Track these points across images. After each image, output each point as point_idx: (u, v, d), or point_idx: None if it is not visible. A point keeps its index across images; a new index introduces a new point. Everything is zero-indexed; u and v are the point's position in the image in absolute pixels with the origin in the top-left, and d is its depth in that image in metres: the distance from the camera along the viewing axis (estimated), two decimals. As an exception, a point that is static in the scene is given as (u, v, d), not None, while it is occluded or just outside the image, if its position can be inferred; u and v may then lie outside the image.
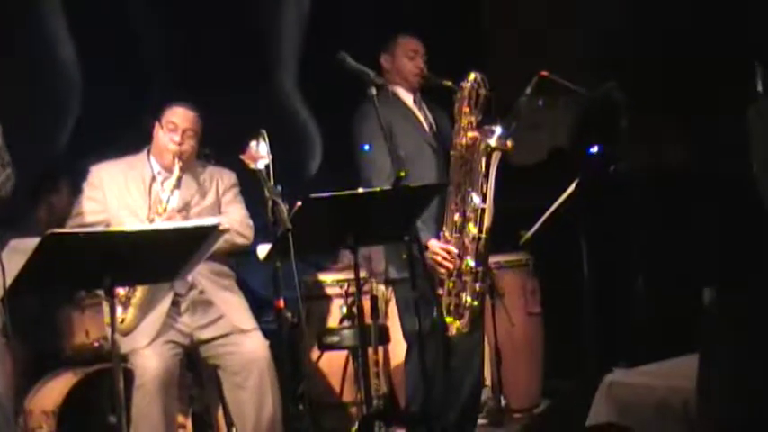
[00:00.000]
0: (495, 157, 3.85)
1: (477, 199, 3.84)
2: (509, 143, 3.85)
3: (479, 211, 3.84)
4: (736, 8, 4.89)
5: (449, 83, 3.92)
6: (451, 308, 3.84)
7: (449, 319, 3.84)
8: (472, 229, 3.84)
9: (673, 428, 3.10)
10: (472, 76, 3.89)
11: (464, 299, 3.85)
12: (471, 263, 3.84)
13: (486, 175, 3.84)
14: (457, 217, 3.87)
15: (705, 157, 4.93)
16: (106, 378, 3.90)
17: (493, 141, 3.83)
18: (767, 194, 2.74)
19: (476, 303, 3.86)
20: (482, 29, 6.18)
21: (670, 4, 5.19)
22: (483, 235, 3.85)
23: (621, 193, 4.62)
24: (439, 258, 3.82)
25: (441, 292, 3.84)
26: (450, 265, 3.83)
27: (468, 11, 6.10)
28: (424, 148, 4.02)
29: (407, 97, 4.10)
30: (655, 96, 5.16)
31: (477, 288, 3.86)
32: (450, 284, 3.85)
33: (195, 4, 5.42)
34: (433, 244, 3.84)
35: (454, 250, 3.84)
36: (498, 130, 3.85)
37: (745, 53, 4.76)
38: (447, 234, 3.87)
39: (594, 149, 4.40)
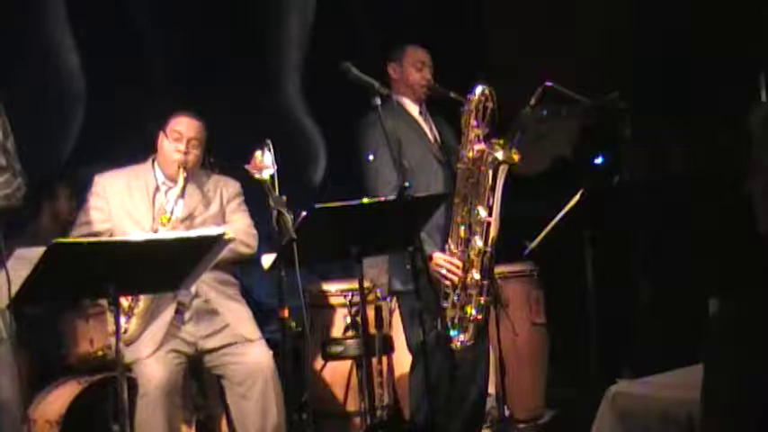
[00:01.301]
0: (502, 170, 3.83)
1: (483, 212, 3.83)
2: (516, 156, 3.84)
3: (485, 225, 3.82)
4: (735, 8, 4.90)
5: (456, 95, 3.91)
6: (456, 321, 3.83)
7: (453, 332, 3.82)
8: (478, 242, 3.83)
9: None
10: (480, 89, 3.87)
11: (469, 312, 3.83)
12: (476, 276, 3.83)
13: (493, 189, 3.82)
14: (463, 229, 3.85)
15: (708, 162, 4.93)
16: (110, 387, 3.89)
17: (500, 155, 3.82)
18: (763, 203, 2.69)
19: (480, 317, 3.85)
20: (482, 29, 6.18)
21: (670, 5, 5.20)
22: (488, 248, 3.83)
23: (625, 203, 4.62)
24: (444, 271, 3.81)
25: (445, 304, 3.83)
26: (456, 278, 3.82)
27: (468, 11, 6.10)
28: (429, 159, 4.01)
29: (413, 108, 4.09)
30: (656, 100, 5.17)
31: (483, 301, 3.83)
32: (455, 297, 3.84)
33: (199, 12, 5.43)
34: (438, 256, 3.83)
35: (459, 263, 3.83)
36: (505, 144, 3.84)
37: (749, 61, 4.76)
38: (452, 246, 3.86)
39: (599, 160, 4.40)
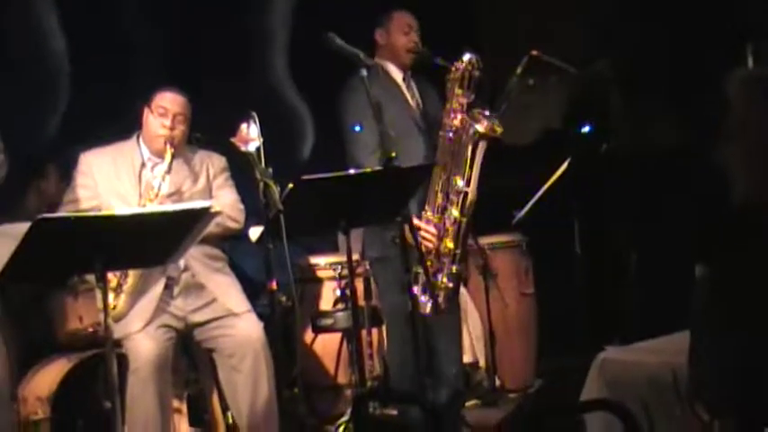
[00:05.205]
0: (482, 143, 3.81)
1: (460, 182, 3.80)
2: (498, 129, 3.81)
3: (462, 194, 3.80)
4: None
5: (443, 61, 3.88)
6: (428, 287, 3.82)
7: (424, 298, 3.81)
8: (454, 212, 3.81)
9: (664, 402, 3.12)
10: (467, 56, 3.83)
11: (441, 279, 3.82)
12: (450, 244, 3.81)
13: (472, 160, 3.80)
14: (440, 197, 3.83)
15: (697, 134, 4.93)
16: (100, 364, 3.89)
17: (481, 127, 3.79)
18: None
19: (451, 285, 3.83)
20: (473, 16, 6.15)
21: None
22: (464, 218, 3.81)
23: (613, 172, 4.63)
24: (419, 237, 3.80)
25: (419, 270, 3.80)
26: (431, 245, 3.81)
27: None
28: (411, 127, 3.98)
29: (397, 74, 4.06)
30: (646, 75, 5.16)
31: (454, 270, 3.82)
32: (429, 264, 3.82)
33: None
34: (415, 222, 3.81)
35: (434, 230, 3.82)
36: (488, 114, 3.82)
37: (738, 31, 4.76)
38: (429, 213, 3.84)
39: (586, 128, 4.40)
